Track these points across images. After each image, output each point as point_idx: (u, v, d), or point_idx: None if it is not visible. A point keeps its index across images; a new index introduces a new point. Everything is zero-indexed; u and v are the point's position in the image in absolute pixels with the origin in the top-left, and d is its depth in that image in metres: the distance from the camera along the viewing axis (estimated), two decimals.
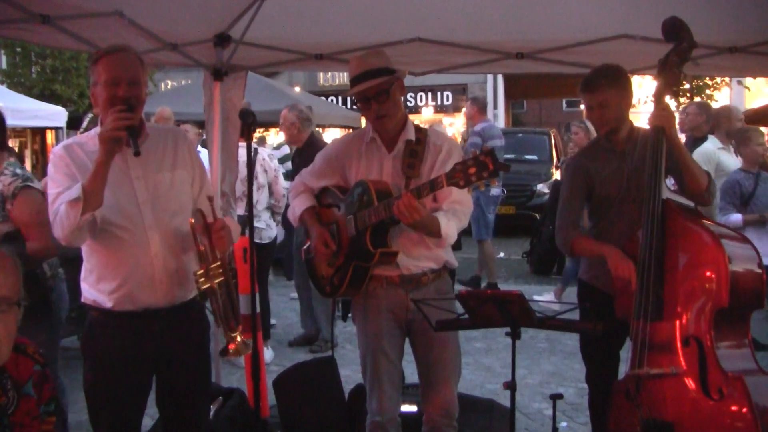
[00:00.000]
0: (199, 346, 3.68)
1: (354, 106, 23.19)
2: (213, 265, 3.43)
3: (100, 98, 3.36)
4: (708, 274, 3.66)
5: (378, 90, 3.88)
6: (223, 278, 3.46)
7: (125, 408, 3.51)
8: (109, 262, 3.44)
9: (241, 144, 7.30)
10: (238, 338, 3.52)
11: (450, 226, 3.81)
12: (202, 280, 3.41)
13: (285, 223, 7.99)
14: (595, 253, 4.14)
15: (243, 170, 7.29)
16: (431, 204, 3.79)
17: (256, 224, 7.48)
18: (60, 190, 3.34)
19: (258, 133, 15.34)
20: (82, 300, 3.57)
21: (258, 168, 7.57)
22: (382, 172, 4.01)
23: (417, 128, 4.06)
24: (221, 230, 3.45)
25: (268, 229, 7.75)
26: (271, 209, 7.74)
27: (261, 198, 7.65)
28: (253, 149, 7.42)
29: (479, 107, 10.92)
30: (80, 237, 3.31)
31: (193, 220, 3.44)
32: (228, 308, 3.52)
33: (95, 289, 3.48)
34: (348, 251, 4.00)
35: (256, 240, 7.47)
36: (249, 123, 3.74)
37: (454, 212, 3.84)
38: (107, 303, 3.43)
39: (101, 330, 3.49)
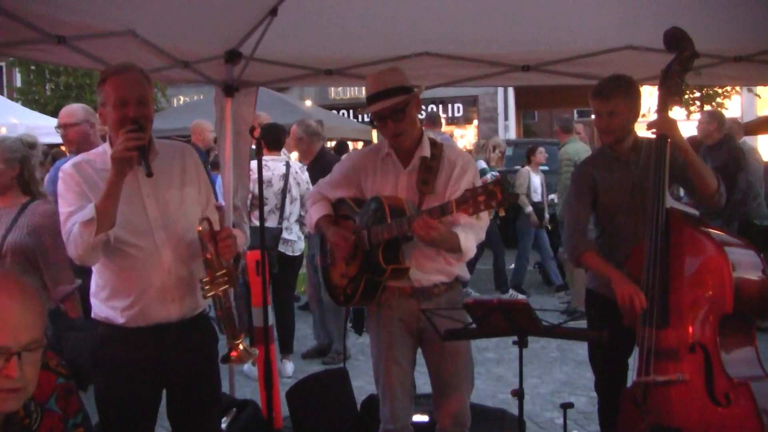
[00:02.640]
0: (208, 357, 3.71)
1: (366, 120, 23.26)
2: (218, 273, 3.46)
3: (109, 118, 3.39)
4: (712, 281, 3.70)
5: (394, 109, 3.91)
6: (228, 286, 3.50)
7: (137, 420, 3.53)
8: (121, 280, 3.47)
9: (271, 157, 7.42)
10: (241, 346, 3.56)
11: (469, 240, 3.85)
12: (208, 287, 3.45)
13: None
14: (601, 273, 4.16)
15: (277, 183, 7.38)
16: (447, 218, 3.79)
17: (288, 236, 7.57)
18: (72, 209, 3.36)
19: None
20: (93, 316, 3.59)
21: (291, 181, 7.62)
22: (397, 188, 4.05)
23: (432, 143, 4.09)
24: (227, 239, 3.49)
25: (299, 241, 7.79)
26: (300, 222, 7.79)
27: (294, 210, 7.68)
28: (285, 162, 7.58)
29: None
30: (94, 256, 3.35)
31: (200, 228, 3.47)
32: (231, 316, 3.57)
33: (107, 305, 3.50)
34: (361, 264, 4.05)
35: (288, 252, 7.58)
36: (259, 138, 3.79)
37: (471, 226, 3.86)
38: (120, 319, 3.46)
39: (112, 343, 3.51)
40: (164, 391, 3.67)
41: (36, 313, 2.27)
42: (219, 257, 3.47)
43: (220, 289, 3.48)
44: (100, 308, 3.54)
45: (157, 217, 3.47)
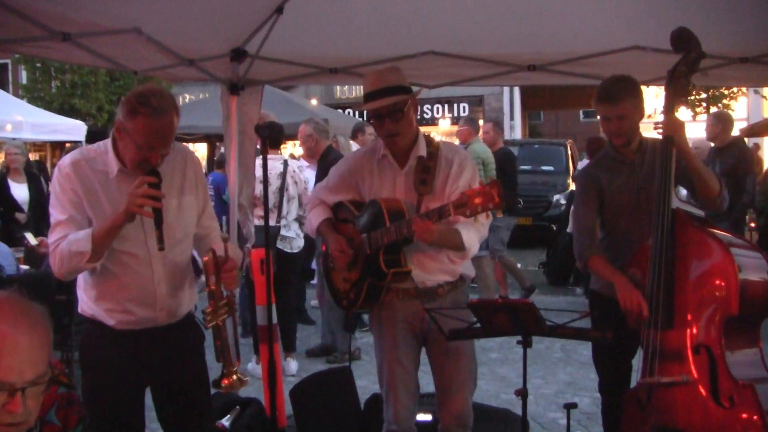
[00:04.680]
0: (193, 355, 3.70)
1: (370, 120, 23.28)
2: (220, 303, 3.47)
3: (128, 147, 3.29)
4: (717, 283, 3.68)
5: (393, 108, 3.88)
6: (227, 315, 3.51)
7: (124, 418, 3.52)
8: (112, 285, 3.43)
9: (269, 156, 7.45)
10: (234, 376, 3.56)
11: (471, 237, 3.86)
12: (210, 318, 3.46)
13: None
14: (606, 279, 4.15)
15: (275, 182, 7.40)
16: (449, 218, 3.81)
17: (286, 234, 7.61)
18: (63, 218, 3.32)
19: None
20: (80, 311, 3.58)
21: (288, 179, 7.66)
22: (395, 189, 4.04)
23: (429, 142, 4.07)
24: (232, 270, 3.49)
25: (297, 238, 7.82)
26: (299, 220, 7.82)
27: (291, 209, 7.72)
28: (282, 161, 7.60)
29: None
30: (75, 276, 3.39)
31: (206, 258, 3.46)
32: (228, 345, 3.57)
33: (96, 305, 3.48)
34: (362, 269, 4.04)
35: (286, 249, 7.61)
36: (264, 137, 3.78)
37: (473, 223, 3.84)
38: (108, 321, 3.45)
39: (98, 341, 3.50)
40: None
41: (43, 346, 2.19)
42: (220, 287, 3.48)
43: (221, 318, 3.49)
44: (88, 305, 3.52)
45: (153, 227, 3.39)
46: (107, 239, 3.22)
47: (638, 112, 4.17)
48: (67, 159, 3.46)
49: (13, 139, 12.36)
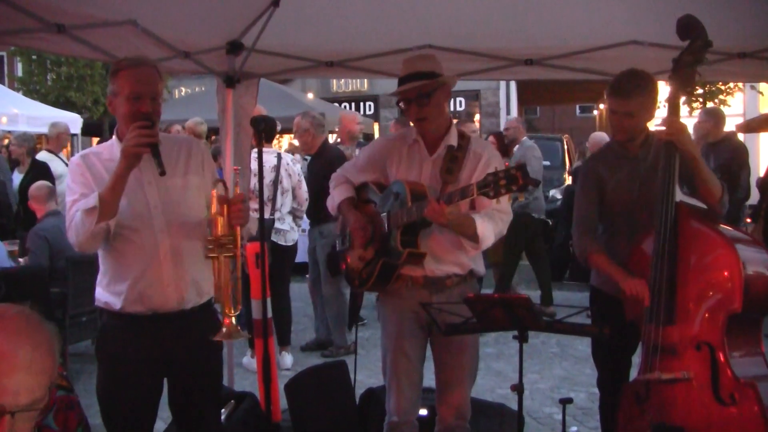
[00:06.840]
0: (210, 349, 3.69)
1: (368, 113, 23.29)
2: (223, 236, 3.42)
3: (119, 110, 3.43)
4: (721, 278, 3.63)
5: (419, 93, 3.95)
6: (231, 254, 3.46)
7: (137, 410, 3.55)
8: (120, 264, 3.50)
9: (265, 149, 7.44)
10: (233, 320, 3.48)
11: (486, 228, 3.85)
12: (210, 247, 3.42)
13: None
14: (608, 275, 4.09)
15: (269, 175, 7.42)
16: (468, 210, 3.84)
17: (280, 226, 7.66)
18: (76, 197, 3.42)
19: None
20: (96, 303, 3.63)
21: (282, 173, 7.69)
22: (421, 174, 4.08)
23: (461, 134, 4.11)
24: (240, 203, 3.47)
25: (292, 231, 7.86)
26: (293, 213, 7.83)
27: (285, 202, 7.77)
28: (276, 155, 7.62)
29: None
30: (94, 244, 3.41)
31: (214, 190, 3.46)
32: (228, 288, 3.51)
33: (108, 291, 3.54)
34: (378, 247, 4.07)
35: (280, 242, 7.65)
36: (260, 130, 3.77)
37: (491, 216, 3.88)
38: (117, 304, 3.49)
39: (113, 333, 3.56)
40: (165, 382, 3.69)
41: (44, 371, 2.00)
42: (227, 222, 3.44)
43: (223, 254, 3.43)
44: (102, 294, 3.59)
45: (157, 204, 3.50)
46: (113, 192, 3.29)
47: (647, 112, 4.09)
48: (77, 155, 3.64)
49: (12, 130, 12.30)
